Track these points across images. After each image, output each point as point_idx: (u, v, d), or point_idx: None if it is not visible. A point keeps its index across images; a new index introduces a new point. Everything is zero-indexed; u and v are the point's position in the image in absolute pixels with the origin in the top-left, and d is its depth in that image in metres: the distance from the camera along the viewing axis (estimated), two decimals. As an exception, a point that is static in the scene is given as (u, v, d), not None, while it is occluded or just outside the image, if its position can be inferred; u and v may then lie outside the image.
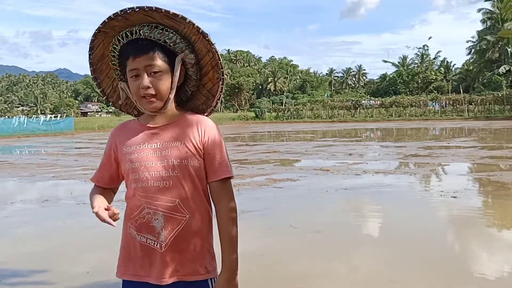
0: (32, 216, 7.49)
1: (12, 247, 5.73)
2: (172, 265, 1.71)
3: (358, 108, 52.24)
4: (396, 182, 9.50)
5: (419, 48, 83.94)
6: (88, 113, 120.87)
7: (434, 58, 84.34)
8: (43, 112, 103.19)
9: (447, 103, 49.03)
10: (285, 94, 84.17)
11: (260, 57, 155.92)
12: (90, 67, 1.82)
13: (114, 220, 1.64)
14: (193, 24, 1.70)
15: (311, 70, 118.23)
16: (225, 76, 1.89)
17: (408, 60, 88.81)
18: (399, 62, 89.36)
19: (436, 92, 64.65)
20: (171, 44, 1.72)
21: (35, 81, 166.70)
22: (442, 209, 7.24)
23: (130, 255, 1.77)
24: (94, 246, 5.58)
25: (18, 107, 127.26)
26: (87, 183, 10.09)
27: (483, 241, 5.56)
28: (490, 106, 45.28)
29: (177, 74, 1.74)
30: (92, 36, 1.72)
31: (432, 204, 7.51)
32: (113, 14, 1.66)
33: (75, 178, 11.31)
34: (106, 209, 1.66)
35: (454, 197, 7.71)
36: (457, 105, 47.33)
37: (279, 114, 56.67)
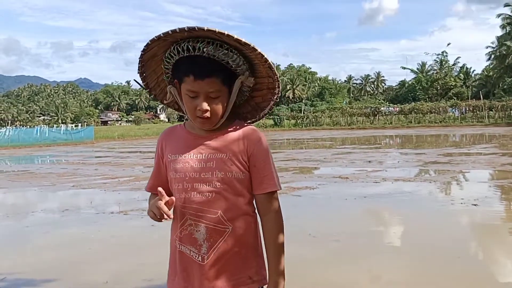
0: (52, 225, 7.57)
1: (32, 257, 5.79)
2: (214, 277, 1.70)
3: (377, 115, 51.94)
4: (416, 190, 9.39)
5: (438, 55, 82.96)
6: (108, 122, 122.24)
7: (453, 64, 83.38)
8: (64, 121, 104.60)
9: (467, 109, 48.48)
10: (303, 101, 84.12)
11: (278, 65, 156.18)
12: (139, 63, 1.76)
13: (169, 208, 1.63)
14: (262, 55, 1.66)
15: (330, 77, 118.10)
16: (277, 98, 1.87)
17: (427, 66, 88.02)
18: (417, 69, 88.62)
19: (455, 98, 64.00)
20: (233, 66, 1.67)
21: (56, 91, 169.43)
22: (463, 217, 7.13)
23: (176, 266, 1.78)
24: (114, 256, 5.61)
25: (40, 116, 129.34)
26: (107, 192, 10.20)
27: (505, 250, 5.45)
28: (511, 112, 44.61)
29: (235, 96, 1.72)
30: (150, 41, 1.66)
31: (452, 212, 7.40)
32: (179, 29, 1.59)
33: (95, 187, 11.40)
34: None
35: (475, 204, 7.59)
36: (477, 111, 46.74)
37: (298, 121, 56.60)
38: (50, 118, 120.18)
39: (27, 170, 17.05)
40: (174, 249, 1.77)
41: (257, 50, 1.63)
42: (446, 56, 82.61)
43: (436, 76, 79.67)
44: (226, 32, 1.56)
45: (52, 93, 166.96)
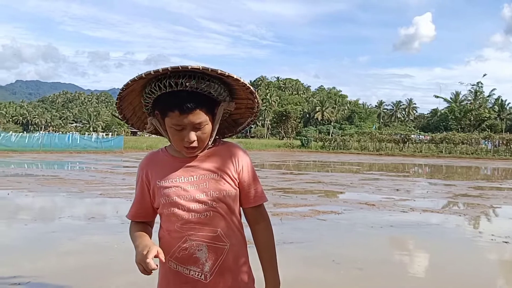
0: (77, 232, 7.64)
1: (56, 262, 5.85)
2: None
3: (407, 142, 51.35)
4: (444, 222, 9.19)
5: (473, 85, 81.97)
6: (138, 133, 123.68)
7: (488, 96, 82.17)
8: (95, 129, 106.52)
9: (501, 142, 47.50)
10: (332, 124, 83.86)
11: (309, 86, 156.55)
12: (117, 99, 1.78)
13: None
14: (244, 85, 1.73)
15: (360, 101, 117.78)
16: (255, 117, 1.93)
17: (460, 96, 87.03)
18: (451, 98, 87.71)
19: (489, 130, 62.83)
20: (215, 94, 1.70)
21: (89, 99, 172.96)
22: (493, 253, 6.93)
23: (169, 287, 1.79)
24: (134, 267, 5.61)
25: (72, 123, 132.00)
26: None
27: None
28: (546, 148, 43.57)
29: (218, 122, 1.76)
30: (130, 81, 1.66)
31: (481, 248, 7.21)
32: (162, 69, 1.61)
33: (121, 197, 11.51)
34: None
35: (506, 242, 7.37)
36: (511, 145, 45.75)
37: (325, 143, 56.37)
38: (82, 126, 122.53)
39: (57, 175, 17.35)
40: (166, 269, 1.79)
41: (240, 80, 1.69)
42: (481, 87, 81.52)
43: (470, 106, 78.55)
44: (210, 68, 1.61)
45: (85, 101, 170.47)
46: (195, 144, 1.70)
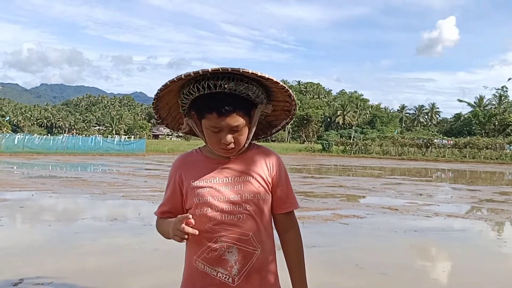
0: (100, 233, 7.69)
1: (78, 262, 5.88)
2: None
3: (430, 147, 50.71)
4: (470, 228, 9.02)
5: (497, 89, 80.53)
6: (160, 136, 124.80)
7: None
8: (117, 132, 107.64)
9: (526, 147, 46.62)
10: (353, 128, 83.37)
11: (330, 90, 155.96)
12: (154, 99, 1.77)
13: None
14: (283, 88, 1.72)
15: (382, 106, 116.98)
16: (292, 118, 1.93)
17: (485, 100, 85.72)
18: (475, 102, 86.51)
19: (514, 135, 61.70)
20: (253, 97, 1.69)
21: (112, 103, 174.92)
22: (520, 260, 6.77)
23: (195, 287, 1.75)
24: (155, 268, 5.63)
25: (95, 126, 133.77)
26: (154, 204, 10.28)
27: None
28: None
29: (255, 124, 1.75)
30: (169, 81, 1.66)
31: (507, 255, 7.05)
32: (202, 70, 1.61)
33: (143, 199, 11.57)
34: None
35: (534, 248, 7.20)
36: (537, 150, 44.88)
37: (347, 148, 56.02)
38: (105, 129, 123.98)
39: (80, 177, 17.55)
40: (193, 269, 1.76)
41: (279, 83, 1.69)
42: (506, 91, 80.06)
43: (494, 111, 77.24)
44: (250, 71, 1.60)
45: (108, 104, 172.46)
46: (231, 146, 1.69)
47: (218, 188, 1.72)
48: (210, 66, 1.64)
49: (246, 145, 1.75)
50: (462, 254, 7.04)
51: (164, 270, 5.48)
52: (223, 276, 1.70)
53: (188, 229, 1.58)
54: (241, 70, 1.59)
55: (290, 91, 1.74)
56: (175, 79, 1.64)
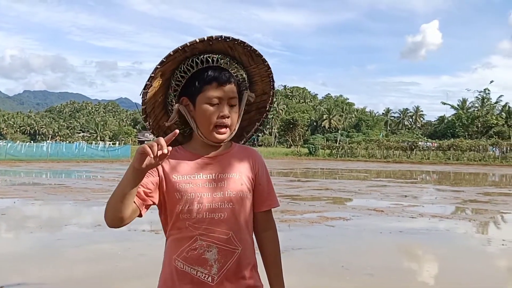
0: (84, 239, 7.61)
1: (60, 270, 5.81)
2: None
3: (414, 150, 51.14)
4: (454, 228, 9.08)
5: (480, 92, 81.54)
6: (145, 142, 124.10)
7: (495, 103, 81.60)
8: (102, 139, 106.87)
9: (508, 149, 47.16)
10: (339, 132, 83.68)
11: (316, 94, 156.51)
12: (148, 80, 1.68)
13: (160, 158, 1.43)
14: (268, 67, 1.77)
15: (367, 109, 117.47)
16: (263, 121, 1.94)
17: (468, 103, 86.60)
18: (458, 105, 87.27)
19: (496, 137, 62.36)
20: (240, 81, 1.73)
21: (97, 109, 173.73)
22: (503, 259, 6.84)
23: (174, 287, 1.69)
24: (140, 275, 5.57)
25: (79, 133, 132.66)
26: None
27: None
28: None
29: (243, 108, 1.76)
30: (172, 52, 1.66)
31: (491, 254, 7.12)
32: (207, 37, 1.65)
33: (128, 205, 11.46)
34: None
35: (518, 247, 7.26)
36: (519, 152, 45.43)
37: (333, 151, 56.26)
38: (89, 135, 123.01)
39: (63, 184, 17.37)
40: (172, 269, 1.69)
41: (266, 62, 1.76)
42: (489, 93, 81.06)
43: (477, 113, 78.15)
44: (246, 43, 1.69)
45: (93, 110, 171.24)
46: (228, 121, 1.67)
47: (200, 184, 1.68)
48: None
49: (234, 131, 1.73)
50: (447, 254, 7.08)
51: (151, 275, 5.42)
52: (202, 275, 1.65)
53: (163, 142, 1.41)
54: (231, 38, 1.66)
55: (271, 70, 1.79)
56: (179, 48, 1.65)
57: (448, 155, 48.43)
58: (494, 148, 48.50)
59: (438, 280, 5.75)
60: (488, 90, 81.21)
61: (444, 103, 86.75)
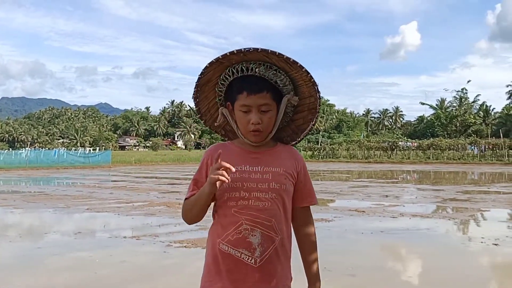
0: (64, 247, 7.52)
1: (41, 279, 5.73)
2: (263, 281, 1.81)
3: (395, 150, 51.52)
4: (434, 227, 9.18)
5: (457, 91, 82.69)
6: (126, 147, 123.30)
7: (473, 102, 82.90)
8: (82, 144, 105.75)
9: (486, 147, 47.83)
10: (321, 133, 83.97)
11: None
12: (195, 88, 1.93)
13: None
14: (307, 73, 1.85)
15: (348, 110, 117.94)
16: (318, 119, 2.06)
17: (446, 103, 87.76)
18: (437, 105, 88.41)
19: (475, 135, 63.28)
20: (281, 85, 1.87)
21: (76, 115, 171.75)
22: (483, 256, 6.93)
23: (219, 271, 1.82)
24: (122, 282, 5.52)
25: (59, 139, 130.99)
26: (120, 216, 10.15)
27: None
28: (532, 151, 43.88)
29: (282, 113, 1.90)
30: (208, 64, 1.83)
31: (472, 251, 7.21)
32: (236, 50, 1.78)
33: (109, 211, 11.36)
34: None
35: (496, 244, 7.37)
36: (497, 150, 46.01)
37: (315, 153, 56.43)
38: (69, 141, 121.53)
39: (43, 192, 17.14)
40: (216, 251, 1.83)
41: (303, 68, 1.84)
42: (466, 93, 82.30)
43: (455, 112, 79.26)
44: (277, 52, 1.78)
45: (72, 116, 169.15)
46: (259, 127, 1.82)
47: (247, 175, 1.83)
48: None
49: (272, 132, 1.89)
50: (428, 252, 7.15)
51: (132, 284, 5.38)
52: (246, 257, 1.79)
53: (225, 164, 1.67)
54: (269, 51, 1.77)
55: (314, 80, 1.88)
56: (214, 60, 1.82)
57: (428, 155, 48.91)
58: (472, 147, 49.11)
59: (420, 279, 5.81)
60: (466, 90, 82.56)
61: (423, 103, 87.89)
